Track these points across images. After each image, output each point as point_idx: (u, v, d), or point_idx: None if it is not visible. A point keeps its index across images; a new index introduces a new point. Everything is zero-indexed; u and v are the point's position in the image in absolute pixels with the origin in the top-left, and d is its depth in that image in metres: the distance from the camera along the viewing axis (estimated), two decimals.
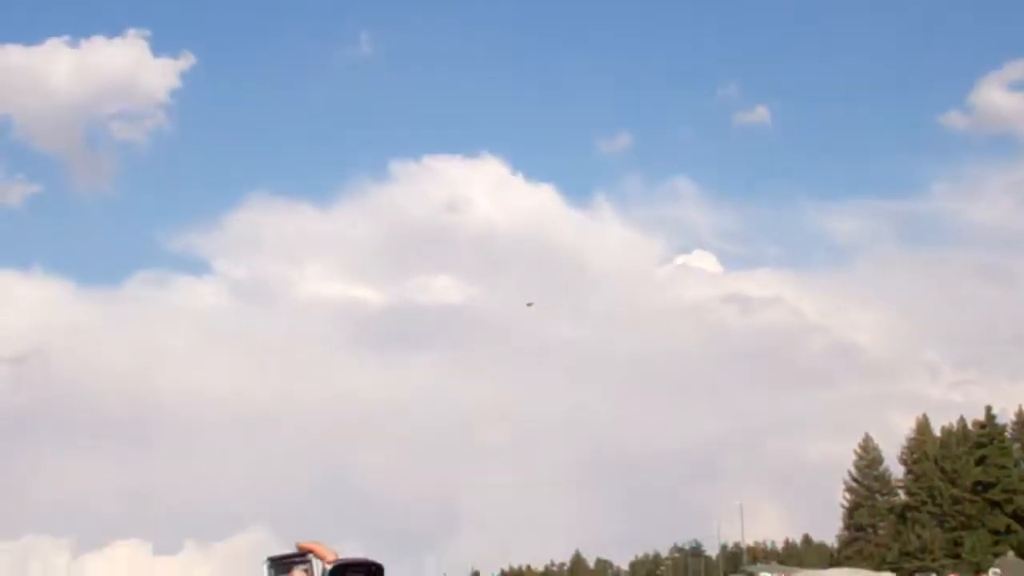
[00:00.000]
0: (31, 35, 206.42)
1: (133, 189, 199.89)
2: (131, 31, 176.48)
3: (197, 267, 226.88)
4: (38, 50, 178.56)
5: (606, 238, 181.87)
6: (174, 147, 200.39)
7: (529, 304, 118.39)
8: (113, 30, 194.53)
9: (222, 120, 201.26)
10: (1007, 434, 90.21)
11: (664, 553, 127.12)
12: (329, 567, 2.36)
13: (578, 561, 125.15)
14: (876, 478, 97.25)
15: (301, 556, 2.46)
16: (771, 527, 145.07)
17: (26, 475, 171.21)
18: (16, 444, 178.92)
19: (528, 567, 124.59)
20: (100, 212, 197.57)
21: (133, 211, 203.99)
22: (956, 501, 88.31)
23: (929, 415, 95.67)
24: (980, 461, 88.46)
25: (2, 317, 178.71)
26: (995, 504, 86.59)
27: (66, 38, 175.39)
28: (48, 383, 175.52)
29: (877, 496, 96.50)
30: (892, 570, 79.92)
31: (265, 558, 2.46)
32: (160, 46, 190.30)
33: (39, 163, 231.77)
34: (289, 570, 2.45)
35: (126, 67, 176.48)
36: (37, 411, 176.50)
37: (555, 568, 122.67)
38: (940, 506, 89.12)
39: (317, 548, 2.44)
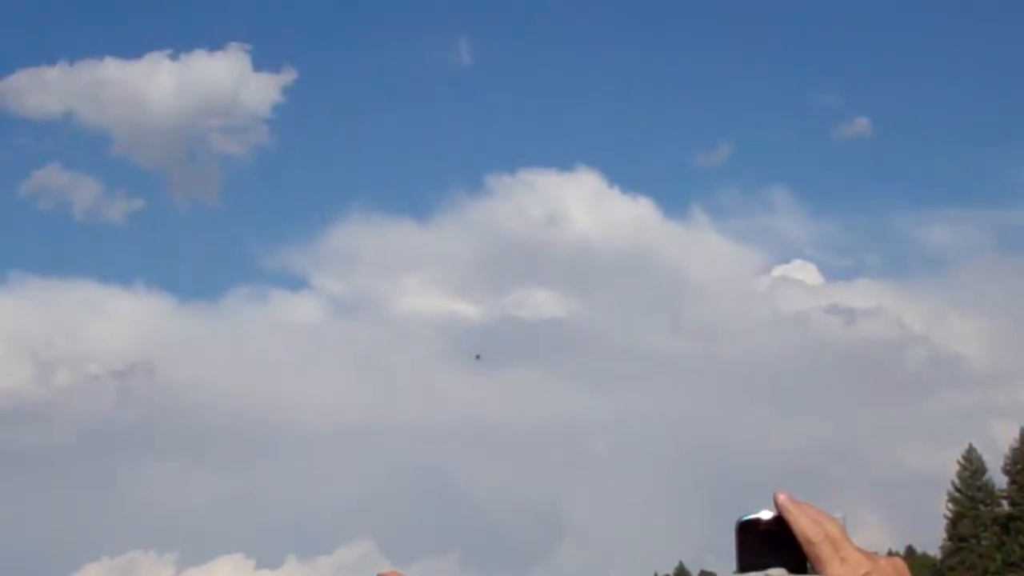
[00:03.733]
0: (131, 49, 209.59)
1: (233, 204, 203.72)
2: (232, 45, 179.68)
3: (295, 282, 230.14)
4: (138, 64, 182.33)
5: (704, 250, 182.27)
6: (275, 162, 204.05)
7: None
8: (214, 44, 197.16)
9: (322, 135, 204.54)
10: None
11: None
12: None
13: (682, 572, 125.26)
14: (979, 488, 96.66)
15: None
16: (874, 537, 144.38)
17: (130, 490, 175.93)
18: (120, 459, 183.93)
19: None
20: (200, 227, 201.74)
21: (233, 226, 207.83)
22: None
23: None
24: None
25: (106, 332, 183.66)
26: None
27: (167, 52, 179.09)
28: (151, 398, 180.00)
29: (980, 507, 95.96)
30: None
31: None
32: (261, 60, 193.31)
33: (140, 178, 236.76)
34: None
35: (227, 81, 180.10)
36: (141, 426, 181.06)
37: None
38: None
39: None
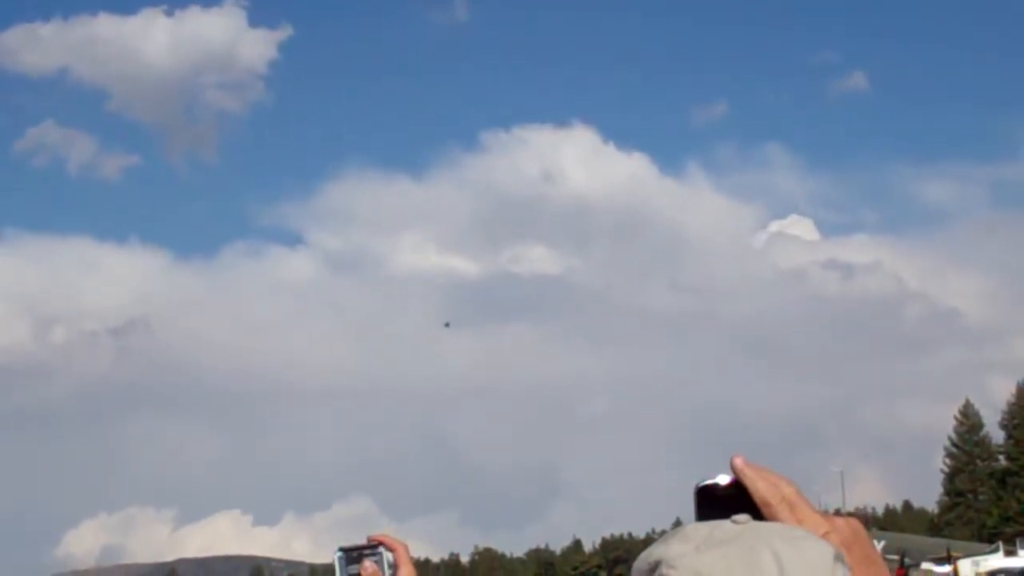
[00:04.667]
0: (127, 5, 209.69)
1: (229, 160, 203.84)
2: (228, 1, 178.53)
3: (291, 239, 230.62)
4: (134, 20, 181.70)
5: (700, 206, 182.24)
6: (271, 119, 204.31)
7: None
8: (210, 0, 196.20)
9: (318, 91, 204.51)
10: None
11: None
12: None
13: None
14: (976, 443, 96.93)
15: (371, 548, 2.57)
16: (872, 493, 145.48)
17: (128, 447, 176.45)
18: (118, 416, 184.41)
19: (629, 535, 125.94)
20: (196, 183, 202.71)
21: (229, 182, 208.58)
22: None
23: None
24: None
25: (102, 289, 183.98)
26: None
27: (162, 7, 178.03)
28: (148, 355, 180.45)
29: (977, 461, 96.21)
30: (992, 535, 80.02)
31: (337, 548, 2.56)
32: (257, 17, 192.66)
33: (136, 134, 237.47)
34: (360, 560, 2.55)
35: (223, 38, 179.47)
36: (138, 383, 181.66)
37: (656, 535, 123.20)
38: None
39: (387, 540, 2.58)
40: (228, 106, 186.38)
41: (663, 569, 1.48)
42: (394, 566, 2.59)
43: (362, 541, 2.61)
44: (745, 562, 1.44)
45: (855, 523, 1.66)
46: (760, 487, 1.63)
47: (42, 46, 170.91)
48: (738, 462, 1.65)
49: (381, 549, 2.58)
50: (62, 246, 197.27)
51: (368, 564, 2.57)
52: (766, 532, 1.49)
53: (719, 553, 1.46)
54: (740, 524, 1.50)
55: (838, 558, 1.46)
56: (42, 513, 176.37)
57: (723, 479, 1.65)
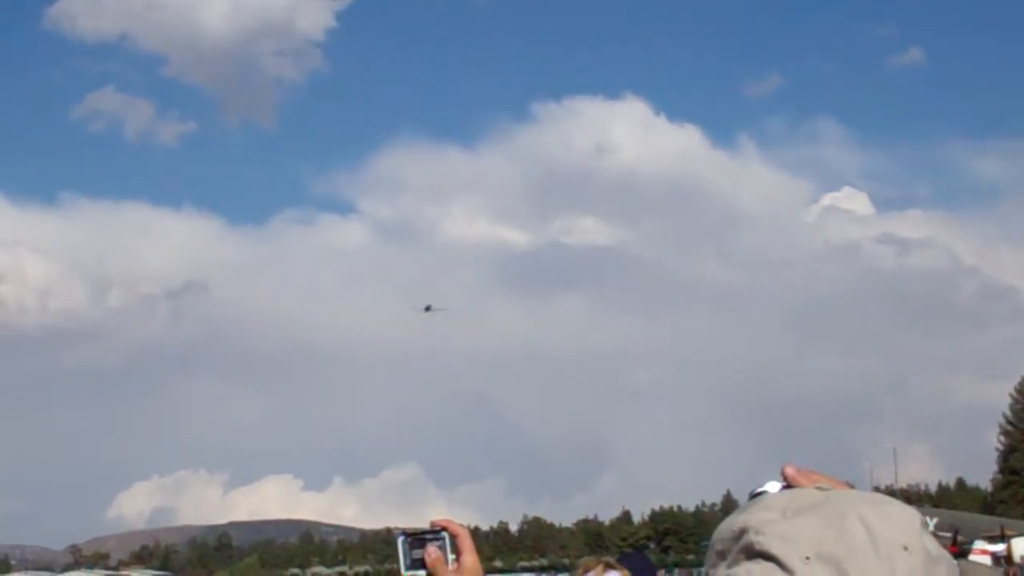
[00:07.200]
0: None
1: (284, 128, 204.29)
2: None
3: (342, 207, 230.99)
4: None
5: (752, 179, 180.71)
6: (327, 87, 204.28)
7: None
8: None
9: (373, 60, 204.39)
10: None
11: None
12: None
13: (729, 501, 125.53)
14: None
15: (435, 532, 2.55)
16: (925, 470, 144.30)
17: (181, 410, 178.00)
18: (172, 379, 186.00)
19: (678, 507, 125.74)
20: (250, 150, 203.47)
21: (283, 149, 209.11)
22: None
23: None
24: None
25: (156, 254, 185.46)
26: None
27: None
28: (200, 321, 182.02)
29: None
30: None
31: (400, 533, 2.57)
32: None
33: (193, 100, 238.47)
34: (423, 545, 2.54)
35: (282, 4, 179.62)
36: (189, 348, 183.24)
37: (706, 508, 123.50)
38: None
39: (451, 525, 2.55)
40: (285, 73, 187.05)
41: (750, 536, 1.48)
42: (457, 551, 2.56)
43: (425, 526, 2.58)
44: (833, 526, 1.45)
45: None
46: None
47: (101, 12, 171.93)
48: (789, 470, 1.65)
49: (444, 534, 2.56)
50: (118, 211, 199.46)
51: (432, 549, 2.55)
52: (851, 497, 1.50)
53: (806, 518, 1.47)
54: (823, 491, 1.52)
55: (924, 524, 1.47)
56: (95, 474, 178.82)
57: (773, 487, 1.64)
